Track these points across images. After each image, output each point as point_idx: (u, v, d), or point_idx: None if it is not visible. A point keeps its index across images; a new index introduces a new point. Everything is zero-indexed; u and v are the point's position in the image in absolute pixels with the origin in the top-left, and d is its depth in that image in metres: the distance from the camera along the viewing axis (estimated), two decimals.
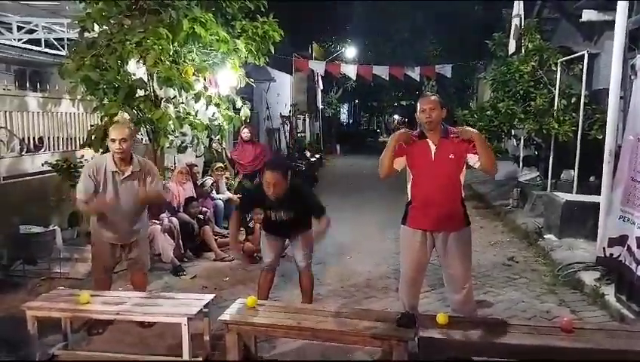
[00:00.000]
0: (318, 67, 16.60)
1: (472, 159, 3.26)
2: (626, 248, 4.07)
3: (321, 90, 20.64)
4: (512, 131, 8.94)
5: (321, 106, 21.35)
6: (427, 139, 3.32)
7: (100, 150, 5.19)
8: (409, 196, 3.48)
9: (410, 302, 3.55)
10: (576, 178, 6.90)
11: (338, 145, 23.18)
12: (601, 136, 5.88)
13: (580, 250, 5.63)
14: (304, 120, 20.84)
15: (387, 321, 3.03)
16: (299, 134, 19.42)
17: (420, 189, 3.37)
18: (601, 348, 2.71)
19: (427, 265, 3.60)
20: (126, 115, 5.29)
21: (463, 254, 3.41)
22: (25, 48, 9.28)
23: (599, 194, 5.04)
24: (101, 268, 4.00)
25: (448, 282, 3.53)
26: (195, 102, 5.83)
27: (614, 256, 4.24)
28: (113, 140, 3.72)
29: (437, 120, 3.25)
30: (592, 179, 6.95)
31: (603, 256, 4.44)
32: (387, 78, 15.66)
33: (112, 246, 3.95)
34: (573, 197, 6.40)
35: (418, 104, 3.30)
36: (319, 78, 18.88)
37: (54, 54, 9.17)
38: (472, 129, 3.31)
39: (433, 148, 3.29)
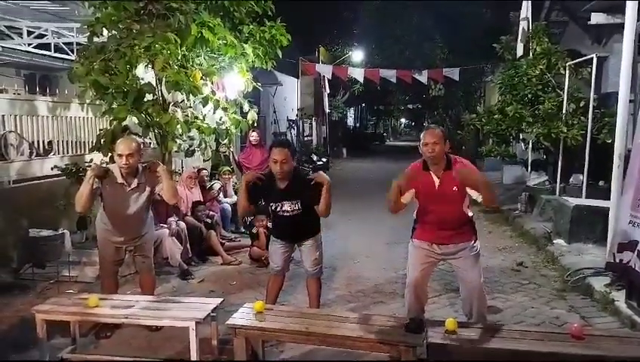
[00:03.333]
0: (325, 71, 16.62)
1: (474, 194, 3.30)
2: (636, 253, 4.03)
3: (328, 94, 20.65)
4: (520, 135, 8.89)
5: (327, 110, 21.35)
6: (430, 172, 3.34)
7: (109, 154, 5.21)
8: (415, 216, 3.57)
9: (416, 308, 3.55)
10: (585, 182, 6.85)
11: (345, 149, 23.18)
12: (611, 140, 5.84)
13: (590, 255, 5.58)
14: (311, 123, 20.86)
15: (395, 327, 3.01)
16: (305, 138, 19.44)
17: (426, 216, 3.46)
18: (613, 356, 2.67)
19: (432, 271, 3.68)
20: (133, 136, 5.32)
21: (473, 263, 3.46)
22: (35, 53, 9.36)
23: (609, 199, 5.00)
24: (107, 270, 4.03)
25: (462, 289, 3.60)
26: (203, 106, 5.85)
27: (624, 262, 4.20)
28: (120, 155, 3.71)
29: (440, 154, 3.27)
30: (601, 183, 6.91)
31: (613, 261, 4.40)
32: (394, 82, 15.65)
33: (117, 248, 3.99)
34: (583, 201, 6.35)
35: (421, 137, 3.30)
36: (326, 81, 18.90)
37: (64, 59, 9.24)
38: (474, 174, 3.27)
39: (437, 181, 3.33)
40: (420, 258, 3.51)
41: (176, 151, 6.15)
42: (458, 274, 3.58)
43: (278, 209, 3.79)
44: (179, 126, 5.40)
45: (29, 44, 8.92)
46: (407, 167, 3.47)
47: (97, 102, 5.76)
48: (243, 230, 7.32)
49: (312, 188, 3.66)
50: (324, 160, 12.93)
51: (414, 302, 3.53)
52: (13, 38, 8.93)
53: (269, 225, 4.04)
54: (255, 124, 7.02)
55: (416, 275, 3.50)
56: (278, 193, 3.72)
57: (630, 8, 4.63)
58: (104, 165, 4.24)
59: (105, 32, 5.18)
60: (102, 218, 3.97)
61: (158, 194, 3.97)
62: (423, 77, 15.08)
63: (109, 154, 5.21)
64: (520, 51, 8.71)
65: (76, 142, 6.46)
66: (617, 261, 4.30)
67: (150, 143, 6.93)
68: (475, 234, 3.52)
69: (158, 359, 3.57)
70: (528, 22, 8.60)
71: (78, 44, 8.32)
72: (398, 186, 3.30)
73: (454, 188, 3.30)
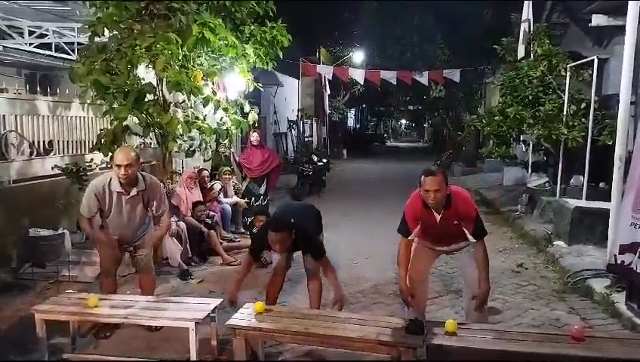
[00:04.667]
0: (326, 71, 16.62)
1: (467, 234, 3.34)
2: (637, 255, 4.02)
3: (329, 95, 20.65)
4: (521, 136, 8.89)
5: (328, 111, 21.35)
6: (431, 209, 3.34)
7: (110, 154, 5.21)
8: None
9: (416, 308, 3.55)
10: (585, 184, 6.84)
11: (345, 150, 23.17)
12: (611, 142, 5.83)
13: (590, 256, 5.57)
14: (311, 124, 20.84)
15: (395, 328, 3.01)
16: (306, 139, 19.42)
17: (427, 237, 3.52)
18: (614, 358, 2.67)
19: (430, 269, 3.76)
20: (134, 138, 5.33)
21: (472, 259, 3.47)
22: (36, 52, 9.36)
23: (609, 201, 4.99)
24: (106, 270, 4.03)
25: (464, 286, 3.66)
26: (204, 106, 5.85)
27: (625, 264, 4.19)
28: (119, 166, 3.68)
29: (441, 200, 3.24)
30: (601, 185, 6.90)
31: (614, 263, 4.39)
32: (395, 83, 15.66)
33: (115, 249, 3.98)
34: (583, 203, 6.35)
35: (422, 181, 3.23)
36: (327, 82, 18.91)
37: (65, 58, 9.24)
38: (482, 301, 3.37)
39: (437, 216, 3.34)
40: (420, 251, 3.57)
41: (176, 152, 6.15)
42: (460, 268, 3.66)
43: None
44: (179, 126, 5.40)
45: (30, 44, 8.92)
46: (408, 201, 3.48)
47: (98, 102, 5.77)
48: (243, 230, 7.32)
49: (312, 247, 3.78)
50: (324, 161, 12.90)
51: (414, 300, 3.53)
52: (14, 38, 8.93)
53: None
54: (256, 125, 7.02)
55: (417, 268, 3.54)
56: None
57: (631, 10, 4.62)
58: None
59: (106, 32, 5.18)
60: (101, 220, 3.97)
61: (152, 211, 3.99)
62: (423, 78, 15.09)
63: (109, 153, 5.22)
64: (521, 53, 8.70)
65: (77, 142, 6.46)
66: (619, 263, 4.29)
67: (151, 143, 6.94)
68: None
69: (158, 359, 3.56)
70: (529, 23, 8.59)
71: (79, 43, 8.33)
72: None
73: (455, 222, 3.33)
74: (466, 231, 3.33)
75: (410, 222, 3.41)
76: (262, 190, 7.41)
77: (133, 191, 3.81)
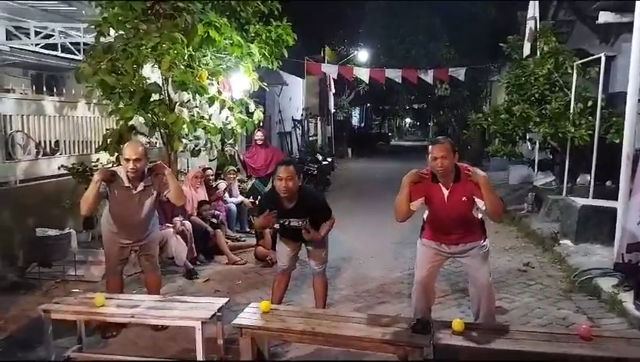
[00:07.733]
0: (331, 70, 16.60)
1: (480, 203, 3.25)
2: None
3: (333, 94, 20.62)
4: (527, 135, 8.84)
5: (333, 110, 21.33)
6: (439, 183, 3.30)
7: (116, 154, 5.22)
8: (424, 218, 3.56)
9: (422, 307, 3.54)
10: (592, 182, 6.80)
11: (350, 149, 23.14)
12: (618, 140, 5.79)
13: (597, 255, 5.54)
14: (316, 123, 20.84)
15: (402, 327, 3.00)
16: (311, 138, 19.42)
17: (436, 222, 3.46)
18: (622, 357, 2.65)
19: (439, 270, 3.69)
20: (140, 138, 5.37)
21: (481, 262, 3.45)
22: (42, 53, 9.39)
23: (616, 199, 4.96)
24: (112, 269, 4.05)
25: (470, 288, 3.60)
26: (209, 105, 5.86)
27: (633, 262, 4.17)
28: (127, 160, 3.70)
29: (449, 168, 3.21)
30: (608, 183, 6.85)
31: (621, 261, 4.37)
32: (400, 81, 15.63)
33: (122, 248, 3.99)
34: (590, 201, 6.31)
35: (429, 150, 3.23)
36: (331, 81, 18.89)
37: (71, 59, 9.27)
38: (481, 173, 3.24)
39: (446, 192, 3.29)
40: (429, 256, 3.51)
41: (182, 151, 6.16)
42: (467, 271, 3.59)
43: (286, 224, 3.82)
44: (185, 126, 5.41)
45: (37, 44, 8.95)
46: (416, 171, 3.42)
47: (104, 102, 5.78)
48: (248, 230, 7.33)
49: (320, 208, 3.69)
50: (329, 160, 12.91)
51: (421, 301, 3.52)
52: (20, 38, 8.97)
53: (276, 225, 4.03)
54: (261, 124, 7.02)
55: (424, 273, 3.50)
56: (285, 212, 3.73)
57: (639, 7, 4.59)
58: (110, 167, 4.24)
59: (112, 31, 5.19)
60: (107, 218, 3.97)
61: (165, 197, 3.97)
62: (428, 76, 15.05)
63: (116, 153, 5.23)
64: (527, 50, 8.66)
65: (83, 142, 6.48)
66: (626, 261, 4.26)
67: (156, 143, 6.96)
68: (485, 233, 3.51)
69: (164, 359, 3.57)
70: (536, 21, 8.55)
71: (85, 44, 8.34)
72: (409, 183, 3.26)
73: (463, 198, 3.27)
74: (477, 200, 3.23)
75: (413, 193, 3.30)
76: (267, 189, 7.42)
77: (140, 186, 3.82)
